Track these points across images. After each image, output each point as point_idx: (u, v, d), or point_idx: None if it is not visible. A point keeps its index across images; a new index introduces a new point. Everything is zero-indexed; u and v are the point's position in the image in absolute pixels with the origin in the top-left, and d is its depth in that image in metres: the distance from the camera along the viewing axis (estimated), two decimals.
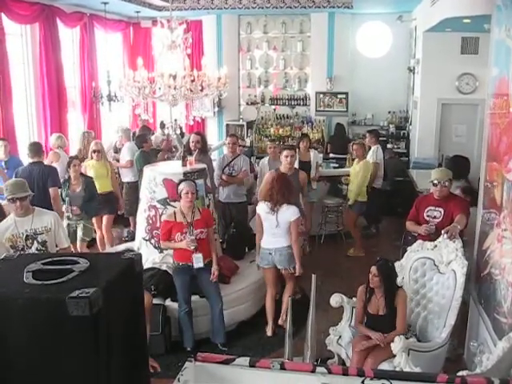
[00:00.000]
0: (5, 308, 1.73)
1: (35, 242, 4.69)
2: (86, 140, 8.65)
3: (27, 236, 4.67)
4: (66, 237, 4.98)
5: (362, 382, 2.01)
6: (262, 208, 5.72)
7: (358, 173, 8.13)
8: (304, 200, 6.90)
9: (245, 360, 2.13)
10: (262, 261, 5.80)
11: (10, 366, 1.78)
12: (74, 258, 1.97)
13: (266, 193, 5.73)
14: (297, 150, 8.35)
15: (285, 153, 6.74)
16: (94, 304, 1.69)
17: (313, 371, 2.06)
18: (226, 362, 2.14)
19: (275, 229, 5.64)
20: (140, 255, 2.11)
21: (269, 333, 5.82)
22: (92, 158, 7.69)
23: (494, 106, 4.71)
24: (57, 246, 4.85)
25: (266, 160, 7.90)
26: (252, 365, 2.11)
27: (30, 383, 1.79)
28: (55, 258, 1.98)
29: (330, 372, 2.04)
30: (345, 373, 2.05)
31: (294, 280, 5.89)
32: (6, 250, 4.59)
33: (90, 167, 7.63)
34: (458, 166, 6.40)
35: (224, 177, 7.36)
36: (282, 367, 2.09)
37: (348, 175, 8.48)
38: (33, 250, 4.67)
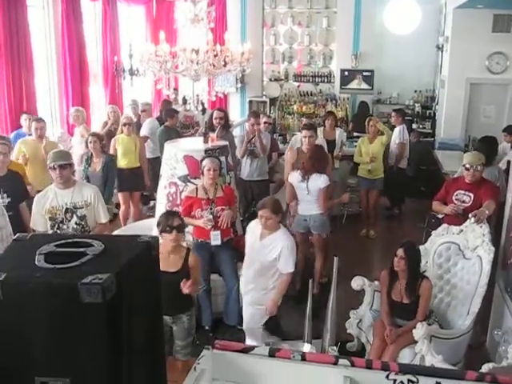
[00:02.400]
0: (16, 292, 1.66)
1: (74, 215, 4.64)
2: (116, 114, 8.62)
3: (67, 209, 4.62)
4: (106, 212, 4.87)
5: (387, 376, 1.92)
6: (294, 176, 5.93)
7: (377, 151, 7.87)
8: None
9: (264, 349, 2.05)
10: (297, 226, 6.07)
11: (22, 352, 1.72)
12: (89, 241, 1.89)
13: (300, 162, 6.04)
14: (322, 127, 8.23)
15: (304, 133, 6.41)
16: (107, 290, 1.61)
17: (335, 363, 1.97)
18: (245, 351, 2.06)
19: (307, 196, 5.89)
20: (157, 238, 2.03)
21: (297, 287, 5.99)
22: (122, 131, 7.60)
23: None
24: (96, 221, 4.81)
25: (299, 137, 7.21)
26: (272, 354, 2.03)
27: (43, 370, 1.73)
28: (69, 240, 1.90)
29: (353, 365, 1.95)
30: (368, 366, 1.95)
31: (324, 247, 6.05)
32: (45, 221, 4.60)
33: (118, 142, 7.53)
34: (489, 149, 6.11)
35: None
36: (303, 358, 2.00)
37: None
38: (72, 223, 4.64)
